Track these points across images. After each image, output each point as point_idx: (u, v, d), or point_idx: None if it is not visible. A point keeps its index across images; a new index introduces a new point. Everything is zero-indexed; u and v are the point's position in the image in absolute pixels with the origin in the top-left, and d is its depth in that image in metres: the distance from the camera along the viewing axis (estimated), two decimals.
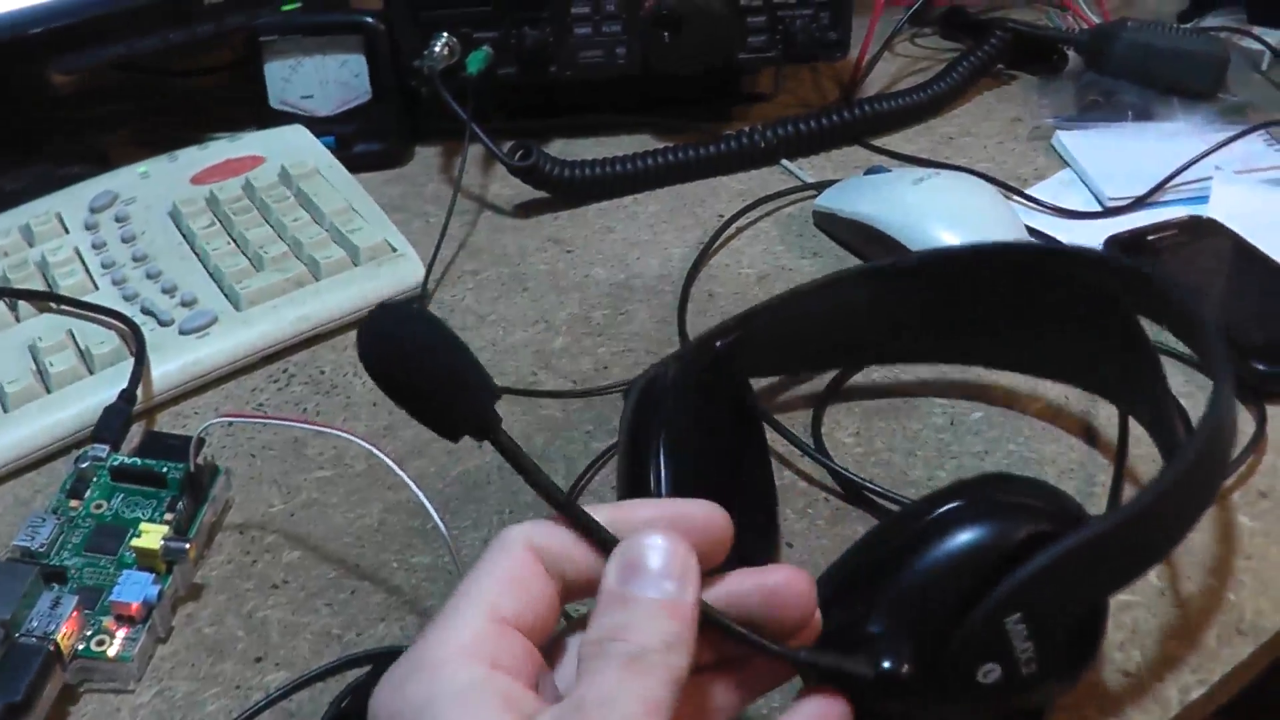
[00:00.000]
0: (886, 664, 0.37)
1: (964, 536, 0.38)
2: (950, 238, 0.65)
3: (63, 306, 0.64)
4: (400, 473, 0.48)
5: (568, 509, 0.36)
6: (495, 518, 0.55)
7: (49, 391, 0.60)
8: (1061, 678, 0.38)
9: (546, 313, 0.66)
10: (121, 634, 0.49)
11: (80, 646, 0.49)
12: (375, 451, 0.48)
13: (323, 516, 0.55)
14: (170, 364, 0.61)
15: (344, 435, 0.50)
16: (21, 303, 0.64)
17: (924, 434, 0.58)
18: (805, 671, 0.38)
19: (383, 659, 0.49)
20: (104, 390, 0.59)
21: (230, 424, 0.60)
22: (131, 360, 0.61)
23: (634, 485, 0.46)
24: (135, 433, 0.59)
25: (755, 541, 0.49)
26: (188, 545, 0.51)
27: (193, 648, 0.50)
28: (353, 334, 0.65)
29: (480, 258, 0.70)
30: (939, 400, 0.60)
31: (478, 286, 0.68)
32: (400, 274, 0.66)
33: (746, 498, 0.49)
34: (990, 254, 0.53)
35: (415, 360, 0.36)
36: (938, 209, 0.67)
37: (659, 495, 0.45)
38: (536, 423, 0.60)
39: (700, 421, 0.47)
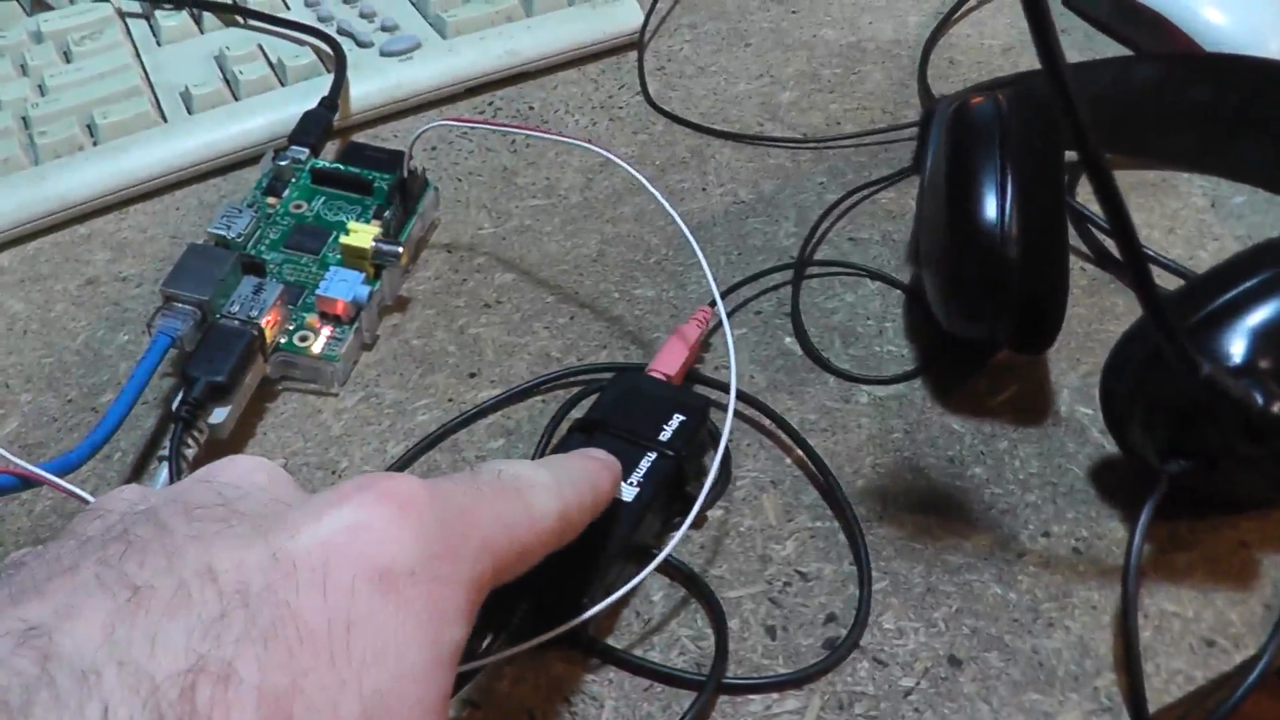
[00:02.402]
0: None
1: None
2: (1218, 17, 0.58)
3: (250, 21, 0.59)
4: (652, 188, 0.42)
5: None
6: (722, 258, 0.49)
7: (237, 99, 0.55)
8: None
9: (772, 68, 0.60)
10: (326, 332, 0.44)
11: (282, 340, 0.44)
12: (628, 168, 0.43)
13: (536, 243, 0.50)
14: (370, 84, 0.56)
15: (590, 147, 0.45)
16: (206, 15, 0.59)
17: (1183, 213, 0.51)
18: None
19: (622, 369, 0.43)
20: (295, 103, 0.54)
21: (445, 134, 0.54)
22: (327, 76, 0.56)
23: (961, 202, 0.40)
24: (328, 149, 0.54)
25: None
26: (400, 249, 0.46)
27: (400, 358, 0.45)
28: (563, 74, 0.59)
29: (697, 12, 0.64)
30: (1199, 179, 0.53)
31: (696, 39, 0.62)
32: (617, 18, 0.60)
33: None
34: None
35: None
36: None
37: (1000, 216, 0.40)
38: (765, 171, 0.54)
39: (1032, 154, 0.41)
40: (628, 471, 0.38)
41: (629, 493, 0.37)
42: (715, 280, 0.42)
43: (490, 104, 0.58)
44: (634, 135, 0.56)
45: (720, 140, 0.55)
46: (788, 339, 0.46)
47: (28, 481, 0.37)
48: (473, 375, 0.45)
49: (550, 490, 0.29)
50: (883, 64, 0.60)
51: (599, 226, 0.51)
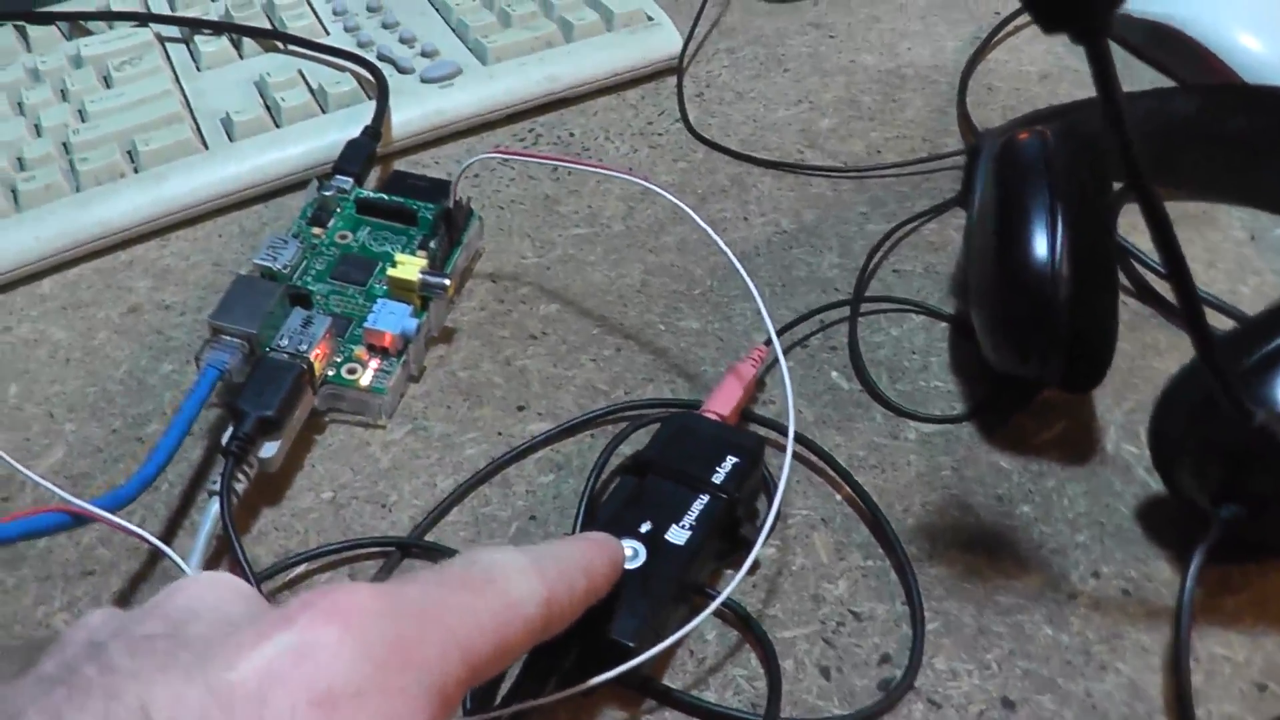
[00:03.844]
0: None
1: None
2: (1255, 44, 0.58)
3: (290, 47, 0.59)
4: (704, 224, 0.42)
5: None
6: (767, 290, 0.49)
7: (278, 126, 0.56)
8: None
9: (810, 94, 0.60)
10: (374, 365, 0.45)
11: (330, 373, 0.44)
12: (676, 201, 0.43)
13: (580, 273, 0.50)
14: (410, 111, 0.56)
15: (638, 181, 0.45)
16: (246, 40, 0.59)
17: (1223, 246, 0.51)
18: None
19: (674, 409, 0.43)
20: (337, 130, 0.55)
21: (487, 161, 0.54)
22: (368, 103, 0.56)
23: (1011, 241, 0.40)
24: (371, 177, 0.54)
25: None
26: (447, 281, 0.46)
27: (447, 390, 0.46)
28: (603, 100, 0.59)
29: (735, 37, 0.64)
30: (1237, 211, 0.53)
31: (734, 64, 0.62)
32: (656, 43, 0.61)
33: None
34: None
35: None
36: (1251, 6, 0.59)
37: (1050, 255, 0.40)
38: (805, 200, 0.54)
39: (1080, 193, 0.41)
40: (680, 513, 0.38)
41: (681, 536, 0.37)
42: (769, 316, 0.42)
43: (530, 130, 0.58)
44: (674, 163, 0.56)
45: (761, 169, 0.55)
46: (834, 373, 0.46)
47: (80, 518, 0.37)
48: (520, 408, 0.45)
49: (530, 576, 0.28)
50: (922, 90, 0.60)
51: (642, 256, 0.51)
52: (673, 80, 0.60)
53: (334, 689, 0.22)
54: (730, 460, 0.39)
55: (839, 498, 0.42)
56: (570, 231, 0.52)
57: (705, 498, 0.38)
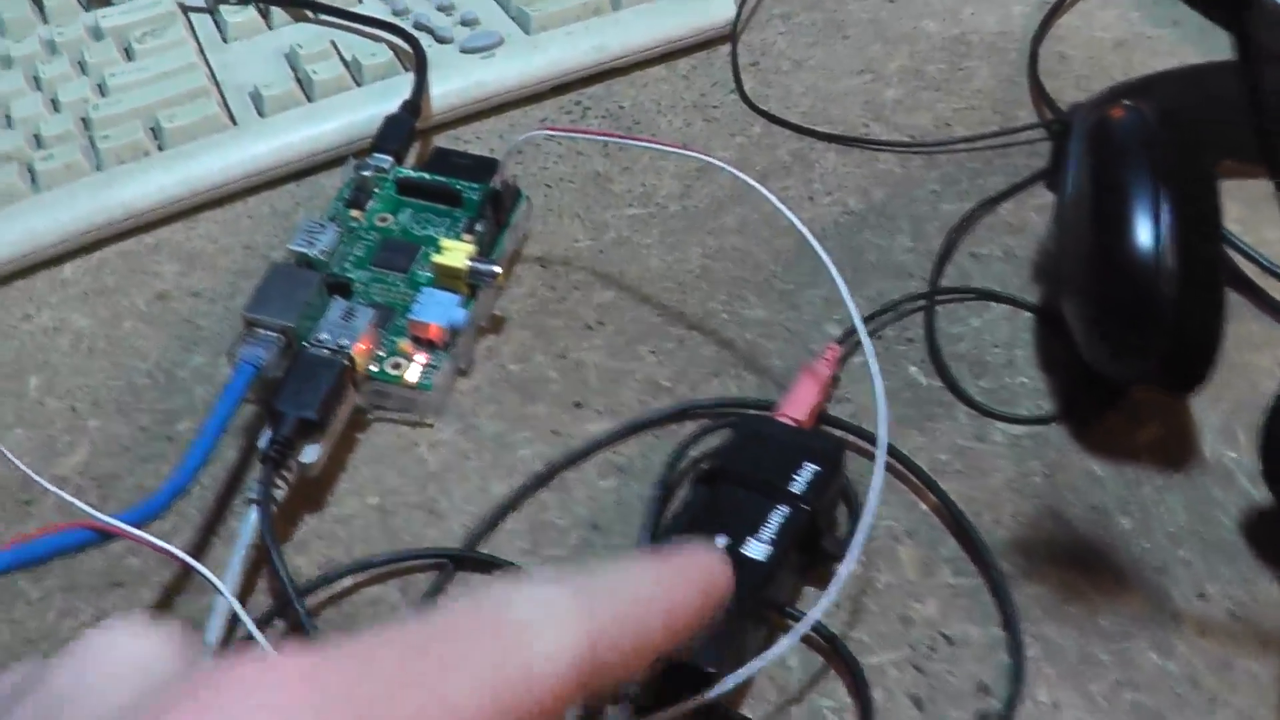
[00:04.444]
0: None
1: None
2: None
3: (322, 16, 0.56)
4: (780, 204, 0.39)
5: None
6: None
7: (310, 100, 0.52)
8: None
9: (873, 62, 0.56)
10: (420, 359, 0.41)
11: (373, 368, 0.41)
12: (750, 181, 0.40)
13: (636, 257, 0.47)
14: (450, 83, 0.53)
15: (703, 157, 0.41)
16: (275, 9, 0.56)
17: None
18: None
19: (745, 412, 0.40)
20: (372, 105, 0.51)
21: (526, 145, 0.51)
22: (405, 75, 0.53)
23: (1111, 229, 0.37)
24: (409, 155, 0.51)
25: None
26: (498, 269, 0.43)
27: (498, 385, 0.43)
28: (653, 71, 0.56)
29: (790, 2, 0.60)
30: None
31: (790, 31, 0.58)
32: (708, 10, 0.57)
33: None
34: None
35: None
36: None
37: (1155, 245, 0.36)
38: (873, 177, 0.51)
39: (1187, 177, 0.38)
40: (757, 526, 0.35)
41: (760, 550, 0.34)
42: (855, 308, 0.38)
43: (577, 103, 0.54)
44: (731, 138, 0.52)
45: (824, 143, 0.52)
46: (912, 368, 0.43)
47: (106, 535, 0.35)
48: (577, 405, 0.42)
49: (566, 621, 0.21)
50: (989, 59, 0.57)
51: (701, 239, 0.48)
52: (726, 49, 0.57)
53: None
54: (809, 467, 0.36)
55: (924, 507, 0.39)
56: (624, 212, 0.49)
57: (784, 508, 0.35)
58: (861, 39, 0.58)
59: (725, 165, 0.41)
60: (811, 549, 0.36)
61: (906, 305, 0.45)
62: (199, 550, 0.39)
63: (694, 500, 0.37)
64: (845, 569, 0.33)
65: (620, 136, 0.48)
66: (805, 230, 0.39)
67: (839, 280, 0.38)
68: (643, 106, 0.54)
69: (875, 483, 0.34)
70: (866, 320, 0.43)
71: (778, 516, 0.35)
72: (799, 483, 0.36)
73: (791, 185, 0.50)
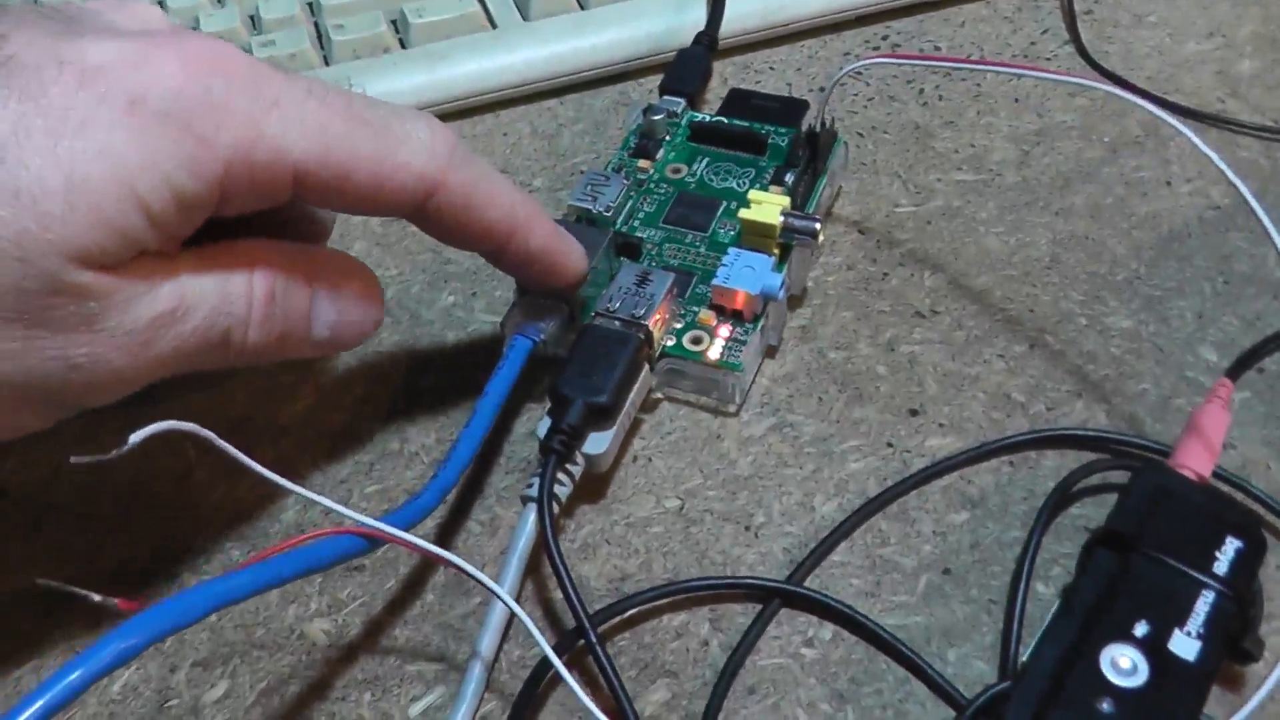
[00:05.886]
0: None
1: None
2: None
3: None
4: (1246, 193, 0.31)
5: None
6: (1206, 285, 0.38)
7: (583, 8, 0.46)
8: None
9: (1222, 25, 0.48)
10: (723, 332, 0.34)
11: (668, 343, 0.34)
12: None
13: (971, 233, 0.39)
14: (744, 4, 0.45)
15: (1109, 89, 0.33)
16: None
17: None
18: None
19: (1140, 455, 0.33)
20: (651, 19, 0.46)
21: (833, 74, 0.43)
22: None
23: None
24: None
25: None
26: (818, 224, 0.35)
27: (815, 374, 0.35)
28: (970, 7, 0.48)
29: None
30: None
31: None
32: None
33: None
34: None
35: None
36: None
37: None
38: (1234, 164, 0.42)
39: None
40: (1183, 615, 0.27)
41: (1190, 648, 0.27)
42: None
43: (884, 38, 0.47)
44: (1070, 98, 0.44)
45: (1179, 118, 0.43)
46: None
47: (375, 541, 0.28)
48: (914, 413, 0.35)
49: (436, 151, 0.28)
50: None
51: (1047, 220, 0.40)
52: None
53: (145, 98, 0.24)
54: (1231, 544, 0.29)
55: None
56: (951, 176, 0.41)
57: (1211, 594, 0.28)
58: None
59: (1140, 101, 0.33)
60: (1234, 648, 0.29)
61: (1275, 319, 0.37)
62: (445, 542, 0.33)
63: (1100, 570, 0.29)
64: (1274, 679, 0.26)
65: (980, 63, 0.40)
66: (1271, 227, 0.31)
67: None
68: (961, 48, 0.46)
69: None
70: (1253, 353, 0.35)
71: (1205, 604, 0.28)
72: (1222, 562, 0.29)
73: (1145, 165, 0.42)
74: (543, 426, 0.32)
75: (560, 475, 0.32)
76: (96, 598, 0.23)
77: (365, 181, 0.27)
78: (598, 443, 0.32)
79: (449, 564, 0.28)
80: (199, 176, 0.25)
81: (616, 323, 0.34)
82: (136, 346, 0.25)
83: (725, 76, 0.46)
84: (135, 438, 0.22)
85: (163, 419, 0.23)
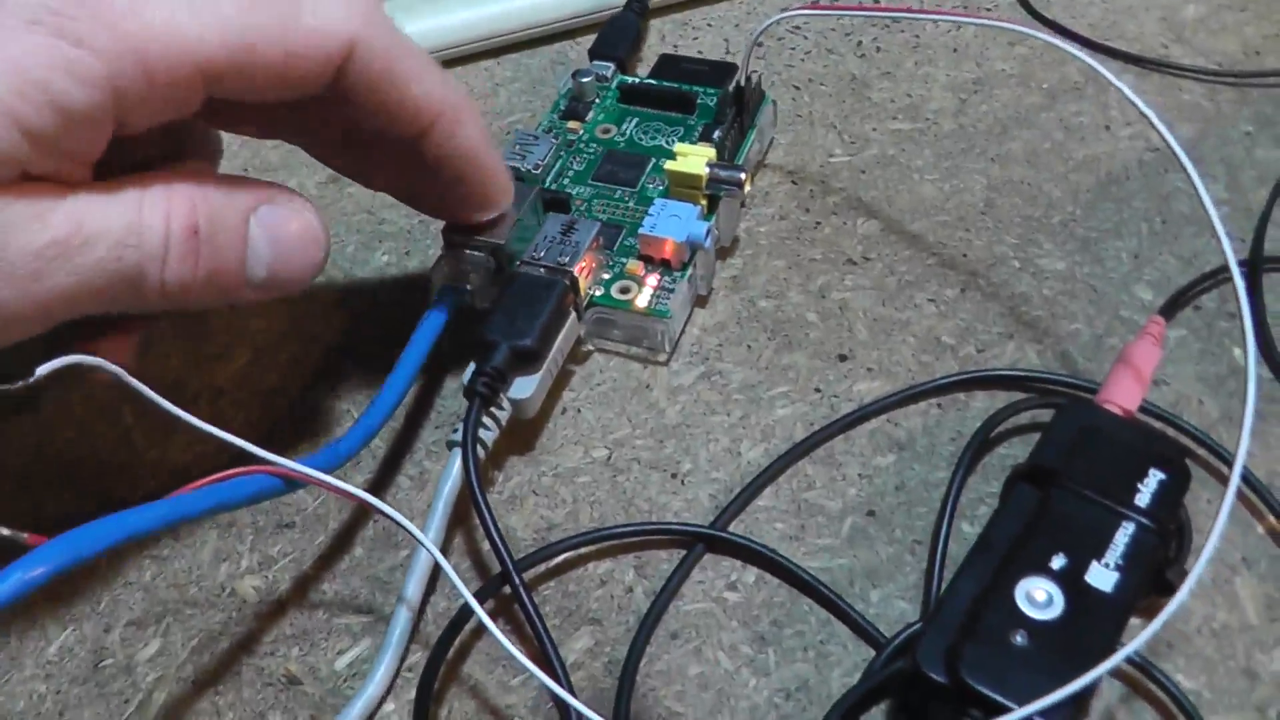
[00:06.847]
0: None
1: None
2: None
3: None
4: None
5: None
6: (1144, 226, 0.38)
7: None
8: None
9: None
10: (651, 281, 0.34)
11: (596, 292, 0.34)
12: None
13: (905, 181, 0.39)
14: None
15: (1029, 31, 0.33)
16: None
17: None
18: None
19: (1066, 392, 0.33)
20: None
21: (767, 39, 0.44)
22: None
23: None
24: None
25: None
26: (742, 174, 0.35)
27: (745, 323, 0.35)
28: None
29: None
30: None
31: None
32: None
33: None
34: None
35: None
36: None
37: None
38: (1178, 109, 0.42)
39: None
40: (1101, 547, 0.27)
41: (1107, 579, 0.27)
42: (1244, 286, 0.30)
43: None
44: (1010, 46, 0.44)
45: (1119, 63, 0.44)
46: (1236, 351, 0.35)
47: (291, 482, 0.28)
48: (843, 358, 0.35)
49: (353, 13, 0.26)
50: None
51: (983, 166, 0.40)
52: None
53: (7, 5, 0.22)
54: (1154, 476, 0.29)
55: (1260, 530, 0.31)
56: (887, 125, 0.41)
57: (1130, 526, 0.28)
58: None
59: (1075, 51, 0.32)
60: (1155, 579, 0.29)
61: (1213, 261, 0.37)
62: (377, 489, 0.33)
63: (1020, 505, 0.29)
64: (1177, 600, 0.26)
65: (891, 10, 0.40)
66: (1188, 164, 0.30)
67: (1220, 228, 0.29)
68: (901, 1, 0.46)
69: (1227, 501, 0.26)
70: (1185, 291, 0.36)
71: (1124, 535, 0.28)
72: (1145, 494, 0.29)
73: (1084, 110, 0.42)
74: (470, 374, 0.32)
75: (486, 420, 0.32)
76: (5, 531, 0.22)
77: (274, 57, 0.25)
78: (523, 387, 0.32)
79: (363, 502, 0.28)
80: (81, 80, 0.22)
81: (541, 270, 0.34)
82: (24, 279, 0.23)
83: (664, 34, 0.45)
84: (42, 370, 0.22)
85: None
